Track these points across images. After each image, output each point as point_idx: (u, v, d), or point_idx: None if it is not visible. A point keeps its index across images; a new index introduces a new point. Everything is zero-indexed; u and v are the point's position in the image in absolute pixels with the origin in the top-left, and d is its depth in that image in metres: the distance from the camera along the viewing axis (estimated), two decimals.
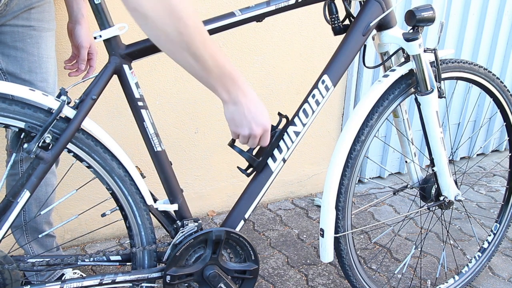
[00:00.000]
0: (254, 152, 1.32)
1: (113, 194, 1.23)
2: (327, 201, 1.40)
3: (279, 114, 1.32)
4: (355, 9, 2.23)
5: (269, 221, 2.33)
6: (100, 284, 1.20)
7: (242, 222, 1.34)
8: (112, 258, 1.26)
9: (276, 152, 1.32)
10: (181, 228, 1.28)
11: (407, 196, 2.61)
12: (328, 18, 1.39)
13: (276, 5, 1.27)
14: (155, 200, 1.28)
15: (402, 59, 1.46)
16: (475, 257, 1.85)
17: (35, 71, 1.38)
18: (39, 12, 1.35)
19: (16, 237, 1.61)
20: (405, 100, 1.48)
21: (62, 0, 1.59)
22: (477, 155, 3.16)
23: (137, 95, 1.20)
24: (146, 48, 1.20)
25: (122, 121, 1.99)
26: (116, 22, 1.16)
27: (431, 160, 1.55)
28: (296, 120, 1.33)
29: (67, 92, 1.13)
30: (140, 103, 1.21)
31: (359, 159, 1.44)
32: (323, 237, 1.41)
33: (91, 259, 1.23)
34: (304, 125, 1.33)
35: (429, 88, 1.43)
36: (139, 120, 1.22)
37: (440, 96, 1.47)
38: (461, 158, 3.10)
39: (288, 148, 1.32)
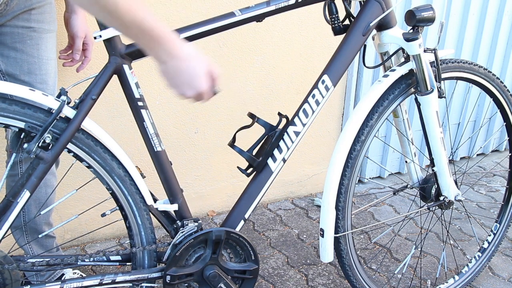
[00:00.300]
0: (254, 152, 1.32)
1: (113, 194, 1.23)
2: (327, 201, 1.40)
3: (279, 114, 1.32)
4: (355, 9, 2.23)
5: (269, 221, 2.33)
6: (100, 284, 1.20)
7: (242, 222, 1.34)
8: (112, 258, 1.26)
9: (276, 152, 1.32)
10: (181, 228, 1.28)
11: (407, 196, 2.60)
12: (328, 18, 1.39)
13: (276, 5, 1.27)
14: (155, 200, 1.28)
15: (402, 59, 1.46)
16: (475, 257, 1.85)
17: (35, 72, 1.38)
18: (40, 13, 1.35)
19: (16, 238, 1.61)
20: (405, 100, 1.48)
21: (64, 1, 1.58)
22: (477, 155, 3.16)
23: (137, 95, 1.20)
24: None
25: (122, 121, 1.99)
26: None
27: (431, 160, 1.55)
28: (296, 120, 1.33)
29: (67, 92, 1.13)
30: (140, 103, 1.21)
31: (359, 159, 1.44)
32: (323, 237, 1.41)
33: (91, 259, 1.23)
34: (304, 125, 1.33)
35: (429, 88, 1.43)
36: (139, 120, 1.22)
37: (440, 96, 1.47)
38: (461, 158, 3.09)
39: (288, 148, 1.32)
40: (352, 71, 2.47)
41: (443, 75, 1.49)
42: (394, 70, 1.43)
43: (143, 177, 1.24)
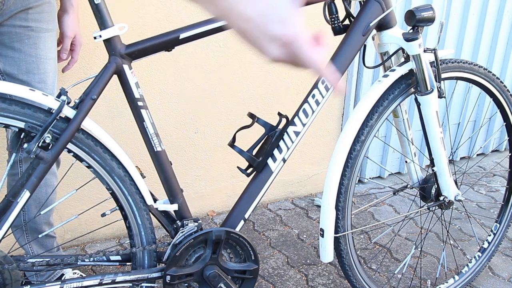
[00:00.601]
0: (254, 152, 1.32)
1: (113, 194, 1.23)
2: (327, 201, 1.40)
3: (279, 114, 1.32)
4: (355, 9, 2.23)
5: (269, 221, 2.33)
6: (100, 284, 1.20)
7: (242, 222, 1.34)
8: (112, 258, 1.26)
9: (276, 152, 1.32)
10: (181, 228, 1.28)
11: (407, 196, 2.60)
12: (328, 18, 1.39)
13: None
14: (155, 200, 1.28)
15: (402, 59, 1.46)
16: (475, 257, 1.85)
17: (33, 72, 1.38)
18: (37, 13, 1.35)
19: (16, 237, 1.61)
20: (405, 100, 1.48)
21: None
22: (477, 155, 3.16)
23: (137, 95, 1.20)
24: (146, 48, 1.20)
25: (122, 121, 1.99)
26: (116, 22, 1.17)
27: (431, 160, 1.55)
28: (296, 120, 1.33)
29: (67, 92, 1.13)
30: (140, 103, 1.21)
31: (359, 159, 1.44)
32: (323, 237, 1.41)
33: (91, 259, 1.23)
34: (304, 125, 1.33)
35: (429, 88, 1.43)
36: (139, 120, 1.22)
37: (440, 96, 1.47)
38: (461, 158, 3.09)
39: (288, 148, 1.32)
40: (352, 71, 2.47)
41: (443, 75, 1.49)
42: (394, 70, 1.43)
43: (143, 177, 1.24)
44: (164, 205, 1.28)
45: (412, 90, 1.46)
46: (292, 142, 1.33)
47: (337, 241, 1.46)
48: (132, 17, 1.88)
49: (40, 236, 1.60)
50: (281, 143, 1.32)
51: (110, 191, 1.23)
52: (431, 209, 1.63)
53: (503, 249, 2.15)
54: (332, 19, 1.38)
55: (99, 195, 2.02)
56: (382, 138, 2.72)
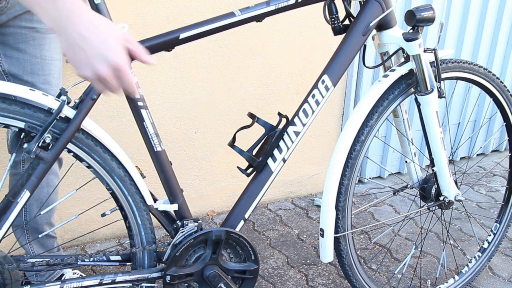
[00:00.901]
0: (254, 152, 1.32)
1: (113, 194, 1.23)
2: (327, 201, 1.40)
3: (279, 114, 1.32)
4: (355, 9, 2.23)
5: (269, 221, 2.33)
6: (100, 284, 1.20)
7: (242, 222, 1.34)
8: (112, 258, 1.26)
9: (276, 152, 1.32)
10: (181, 228, 1.28)
11: (407, 196, 2.60)
12: (328, 18, 1.39)
13: (276, 5, 1.27)
14: (155, 200, 1.28)
15: (402, 59, 1.46)
16: (475, 257, 1.85)
17: (38, 73, 1.38)
18: None
19: (17, 237, 1.61)
20: (405, 100, 1.48)
21: None
22: (477, 155, 3.16)
23: (137, 95, 1.20)
24: (146, 48, 1.19)
25: (122, 121, 1.99)
26: (116, 22, 1.16)
27: (431, 160, 1.55)
28: (296, 120, 1.33)
29: (67, 92, 1.13)
30: (140, 103, 1.21)
31: (359, 159, 1.44)
32: (323, 237, 1.41)
33: (91, 259, 1.23)
34: (304, 125, 1.33)
35: (429, 88, 1.43)
36: (139, 120, 1.22)
37: (440, 96, 1.47)
38: (461, 158, 3.09)
39: (288, 148, 1.32)
40: (352, 71, 2.47)
41: (443, 75, 1.49)
42: (394, 70, 1.43)
43: (143, 177, 1.24)
44: (164, 205, 1.28)
45: (412, 90, 1.46)
46: (292, 142, 1.33)
47: (337, 241, 1.46)
48: (132, 17, 1.88)
49: (40, 236, 1.60)
50: (281, 143, 1.32)
51: (110, 191, 1.23)
52: (431, 209, 1.63)
53: (503, 249, 2.15)
54: (332, 19, 1.38)
55: (99, 195, 2.02)
56: (382, 138, 2.72)
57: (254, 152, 1.32)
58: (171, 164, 1.27)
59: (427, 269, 2.00)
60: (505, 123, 1.74)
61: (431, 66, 1.44)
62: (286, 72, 2.30)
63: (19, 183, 1.11)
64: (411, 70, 1.43)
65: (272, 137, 1.30)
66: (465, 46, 2.83)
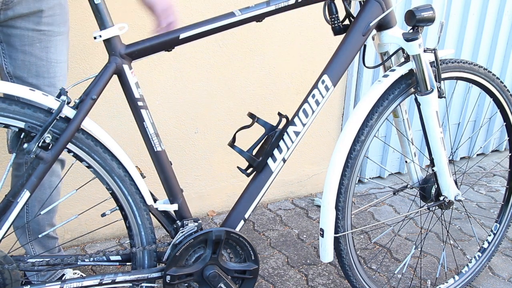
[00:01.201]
0: (254, 152, 1.32)
1: (113, 194, 1.23)
2: (327, 201, 1.40)
3: (279, 114, 1.32)
4: (355, 9, 2.23)
5: (269, 221, 2.33)
6: (100, 284, 1.20)
7: (242, 222, 1.34)
8: (112, 258, 1.27)
9: (276, 152, 1.32)
10: (181, 228, 1.28)
11: (407, 196, 2.60)
12: (328, 18, 1.39)
13: (276, 5, 1.27)
14: (155, 200, 1.28)
15: (402, 59, 1.46)
16: (475, 257, 1.85)
17: (43, 75, 1.37)
18: (50, 16, 1.33)
19: (18, 238, 1.61)
20: (405, 100, 1.48)
21: (77, 1, 1.56)
22: (477, 155, 3.16)
23: (137, 95, 1.20)
24: (146, 48, 1.20)
25: (122, 121, 1.99)
26: (116, 22, 1.17)
27: (431, 160, 1.55)
28: (296, 120, 1.33)
29: (67, 92, 1.13)
30: (140, 103, 1.21)
31: (359, 159, 1.44)
32: (323, 237, 1.41)
33: (91, 259, 1.23)
34: (304, 125, 1.33)
35: (429, 88, 1.43)
36: (139, 120, 1.22)
37: (440, 96, 1.47)
38: (461, 158, 3.09)
39: (288, 148, 1.32)
40: (352, 71, 2.47)
41: (443, 75, 1.49)
42: (394, 70, 1.43)
43: (143, 177, 1.24)
44: (164, 205, 1.28)
45: (412, 90, 1.46)
46: (292, 142, 1.33)
47: (337, 241, 1.46)
48: (132, 17, 1.88)
49: (40, 236, 1.60)
50: (281, 143, 1.32)
51: (110, 191, 1.23)
52: (431, 209, 1.63)
53: (503, 249, 2.15)
54: (332, 19, 1.38)
55: (99, 195, 2.02)
56: (382, 138, 2.72)
57: (254, 152, 1.32)
58: (171, 164, 1.27)
59: (427, 269, 2.00)
60: (505, 123, 1.74)
61: (431, 66, 1.44)
62: (286, 72, 2.30)
63: (19, 183, 1.11)
64: (411, 70, 1.43)
65: (272, 137, 1.30)
66: (465, 46, 2.83)
